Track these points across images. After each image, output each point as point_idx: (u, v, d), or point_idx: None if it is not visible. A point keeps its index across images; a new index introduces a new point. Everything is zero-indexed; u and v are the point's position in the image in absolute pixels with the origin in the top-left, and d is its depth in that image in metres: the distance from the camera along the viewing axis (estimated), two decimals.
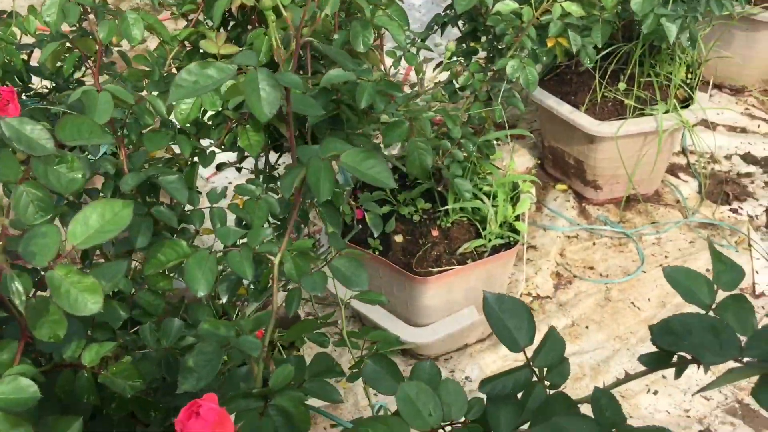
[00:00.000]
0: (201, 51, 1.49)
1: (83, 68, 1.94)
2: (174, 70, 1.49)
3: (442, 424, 0.73)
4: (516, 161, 2.30)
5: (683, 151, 2.53)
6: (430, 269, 1.81)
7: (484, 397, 0.78)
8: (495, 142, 1.87)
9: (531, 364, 0.78)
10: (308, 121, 1.33)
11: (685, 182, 2.43)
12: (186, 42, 1.46)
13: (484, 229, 1.85)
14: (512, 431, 0.76)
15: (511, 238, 1.86)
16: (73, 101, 1.12)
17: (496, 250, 1.85)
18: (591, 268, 2.20)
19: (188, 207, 1.27)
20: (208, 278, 0.82)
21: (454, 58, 1.83)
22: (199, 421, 0.64)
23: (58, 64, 1.42)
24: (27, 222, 0.76)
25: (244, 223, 1.32)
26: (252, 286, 1.30)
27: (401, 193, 1.92)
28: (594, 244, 2.27)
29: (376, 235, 1.39)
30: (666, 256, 2.19)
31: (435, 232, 1.91)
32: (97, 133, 0.82)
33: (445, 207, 1.85)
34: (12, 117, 0.75)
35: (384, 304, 1.15)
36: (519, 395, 0.77)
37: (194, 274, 0.82)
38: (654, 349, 0.76)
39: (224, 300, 1.19)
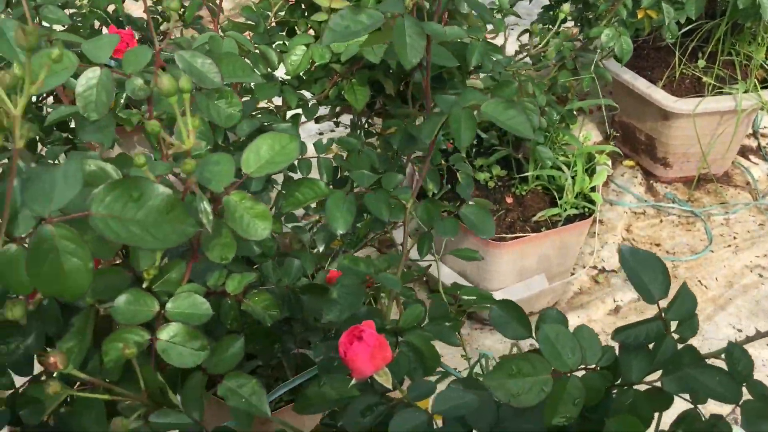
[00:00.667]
0: (302, 5, 1.51)
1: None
2: (273, 24, 1.52)
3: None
4: (582, 134, 2.30)
5: (754, 134, 2.51)
6: (504, 235, 1.83)
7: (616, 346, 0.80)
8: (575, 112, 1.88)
9: (663, 316, 0.80)
10: (412, 79, 1.35)
11: (756, 165, 2.41)
12: None
13: (559, 198, 1.86)
14: (642, 378, 0.78)
15: (586, 209, 1.87)
16: (197, 46, 1.15)
17: (569, 219, 1.87)
18: (657, 245, 2.21)
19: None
20: (346, 218, 0.85)
21: (541, 26, 1.83)
22: (362, 344, 0.67)
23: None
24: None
25: (339, 176, 1.36)
26: (347, 239, 1.34)
27: (477, 159, 1.94)
28: (661, 221, 2.27)
29: (465, 195, 1.41)
30: (735, 237, 2.19)
31: (509, 199, 1.92)
32: (249, 72, 0.85)
33: (523, 174, 1.86)
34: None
35: (479, 260, 1.18)
36: (650, 346, 0.80)
37: (334, 214, 0.85)
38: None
39: (321, 249, 1.23)
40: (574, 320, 2.03)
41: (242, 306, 0.84)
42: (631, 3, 1.62)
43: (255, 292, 0.89)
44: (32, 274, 0.55)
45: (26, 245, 0.57)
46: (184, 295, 0.70)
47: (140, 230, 0.57)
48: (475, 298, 1.18)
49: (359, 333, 0.69)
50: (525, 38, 1.90)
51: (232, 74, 0.82)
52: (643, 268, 0.80)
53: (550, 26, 1.79)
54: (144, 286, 0.71)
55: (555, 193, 1.89)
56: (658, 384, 0.78)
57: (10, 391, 0.83)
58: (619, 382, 0.80)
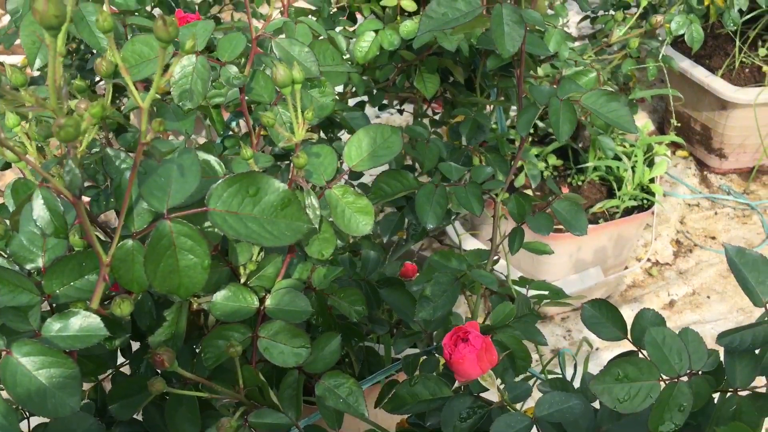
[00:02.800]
0: None
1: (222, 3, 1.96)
2: (335, 9, 1.49)
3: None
4: (641, 125, 2.25)
5: None
6: (560, 227, 1.80)
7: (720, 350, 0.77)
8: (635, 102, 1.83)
9: None
10: (480, 67, 1.32)
11: None
12: None
13: (618, 189, 1.82)
14: (748, 384, 0.75)
15: (645, 201, 1.83)
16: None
17: (627, 211, 1.83)
18: (712, 237, 2.16)
19: None
20: (436, 211, 0.83)
21: (608, 12, 1.78)
22: (468, 346, 0.65)
23: None
24: (276, 142, 0.78)
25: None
26: (413, 230, 1.31)
27: (532, 148, 1.90)
28: (716, 213, 2.22)
29: (533, 186, 1.38)
30: None
31: (565, 190, 1.89)
32: (339, 60, 0.83)
33: (583, 165, 1.82)
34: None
35: (550, 254, 1.15)
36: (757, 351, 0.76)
37: (423, 207, 0.83)
38: None
39: (385, 239, 1.20)
40: (627, 314, 2.00)
41: (329, 301, 0.82)
42: None
43: (341, 287, 0.87)
44: (149, 271, 0.53)
45: (141, 241, 0.55)
46: (283, 292, 0.68)
47: (257, 227, 0.55)
48: (547, 293, 1.15)
49: (464, 335, 0.66)
50: (584, 25, 1.85)
51: (323, 62, 0.80)
52: (750, 270, 0.76)
53: (613, 12, 1.74)
54: (242, 281, 0.69)
55: (613, 184, 1.85)
56: (763, 390, 0.75)
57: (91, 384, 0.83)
58: (722, 387, 0.77)
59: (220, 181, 0.54)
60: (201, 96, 0.71)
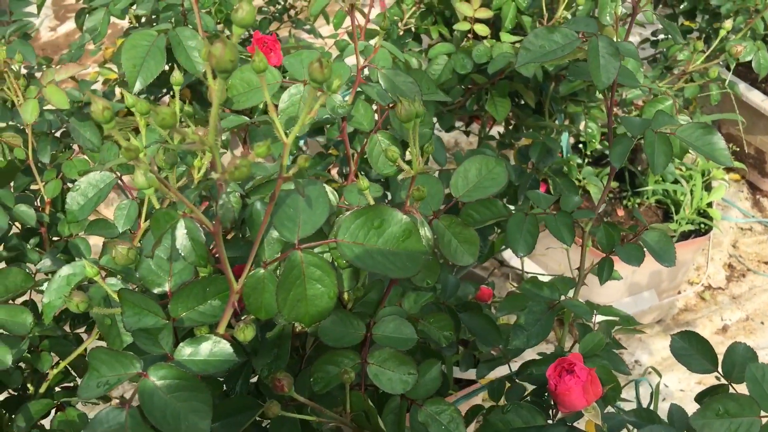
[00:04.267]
0: (433, 12, 1.49)
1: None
2: (402, 31, 1.51)
3: None
4: None
5: None
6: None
7: None
8: None
9: None
10: (549, 91, 1.33)
11: None
12: (421, 3, 1.47)
13: (676, 212, 1.82)
14: None
15: (702, 225, 1.82)
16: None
17: (683, 235, 1.82)
18: (766, 263, 2.14)
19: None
20: (527, 240, 0.83)
21: (662, 37, 1.78)
22: (573, 378, 0.66)
23: None
24: (378, 170, 0.79)
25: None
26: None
27: (590, 169, 1.90)
28: None
29: (599, 210, 1.38)
30: None
31: (620, 212, 1.88)
32: (433, 89, 0.84)
33: (640, 188, 1.82)
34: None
35: (619, 280, 1.15)
36: None
37: (515, 236, 0.83)
38: None
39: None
40: None
41: (419, 326, 0.83)
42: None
43: (427, 312, 0.88)
44: (280, 299, 0.54)
45: (270, 270, 0.56)
46: (389, 319, 0.69)
47: (382, 258, 0.56)
48: (617, 319, 1.15)
49: (569, 366, 0.67)
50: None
51: (424, 91, 0.81)
52: None
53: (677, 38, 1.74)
54: (349, 307, 0.70)
55: (671, 207, 1.84)
56: None
57: None
58: None
59: (347, 213, 0.56)
60: (308, 124, 0.73)
